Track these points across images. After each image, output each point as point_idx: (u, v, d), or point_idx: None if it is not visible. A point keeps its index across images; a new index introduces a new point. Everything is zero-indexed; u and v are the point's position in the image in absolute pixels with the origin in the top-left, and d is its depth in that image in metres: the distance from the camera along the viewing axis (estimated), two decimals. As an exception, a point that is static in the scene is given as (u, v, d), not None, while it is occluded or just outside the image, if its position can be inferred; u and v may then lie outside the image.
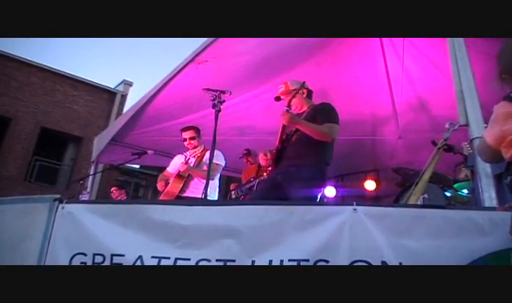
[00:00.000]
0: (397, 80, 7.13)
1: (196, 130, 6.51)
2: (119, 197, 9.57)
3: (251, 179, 7.46)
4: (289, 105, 4.69)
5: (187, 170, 6.26)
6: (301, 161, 4.49)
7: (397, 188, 7.16)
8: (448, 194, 5.71)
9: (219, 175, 6.44)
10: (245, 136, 7.90)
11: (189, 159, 6.49)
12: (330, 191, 8.32)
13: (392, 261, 2.75)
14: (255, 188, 6.93)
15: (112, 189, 9.74)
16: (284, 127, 4.73)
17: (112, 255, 3.17)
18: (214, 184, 6.31)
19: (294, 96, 4.69)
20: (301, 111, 4.85)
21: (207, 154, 6.23)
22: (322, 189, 4.61)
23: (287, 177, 4.46)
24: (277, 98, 4.85)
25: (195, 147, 6.49)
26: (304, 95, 4.88)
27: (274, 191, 4.46)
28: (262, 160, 7.17)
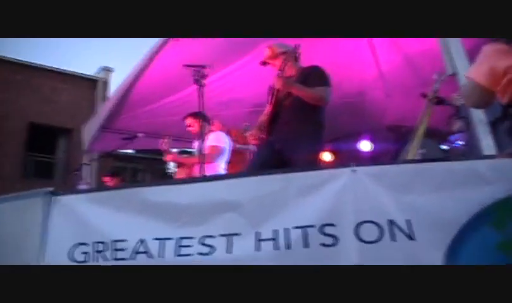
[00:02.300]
0: (378, 40, 7.08)
1: (194, 115, 6.35)
2: None
3: None
4: (281, 69, 4.60)
5: (171, 158, 6.50)
6: (299, 127, 4.45)
7: (393, 146, 7.14)
8: (444, 147, 5.69)
9: (219, 157, 6.29)
10: (230, 110, 7.80)
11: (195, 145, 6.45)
12: (365, 145, 8.38)
13: (399, 219, 2.71)
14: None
15: (105, 178, 9.03)
16: (274, 91, 4.69)
17: (113, 241, 3.13)
18: (217, 168, 6.20)
19: (283, 59, 4.62)
20: (291, 74, 4.76)
21: (210, 136, 6.24)
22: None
23: (286, 145, 4.45)
24: (263, 63, 4.78)
25: (199, 132, 6.15)
26: (290, 58, 4.75)
27: (274, 159, 4.43)
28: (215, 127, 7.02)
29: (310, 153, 4.32)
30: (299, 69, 4.78)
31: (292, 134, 4.44)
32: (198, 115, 6.06)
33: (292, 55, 4.78)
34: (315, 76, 4.58)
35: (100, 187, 7.53)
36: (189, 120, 6.52)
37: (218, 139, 6.34)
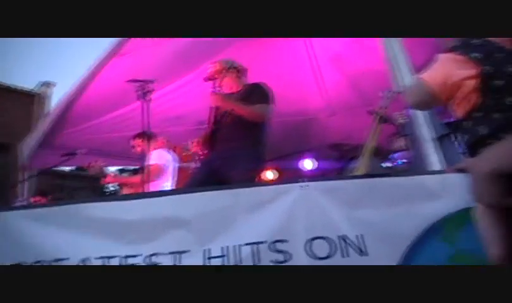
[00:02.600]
0: (321, 58, 7.15)
1: (137, 136, 6.33)
2: None
3: None
4: (219, 86, 4.61)
5: (110, 180, 6.50)
6: (238, 144, 4.40)
7: (335, 164, 7.21)
8: (386, 166, 5.77)
9: (161, 175, 6.15)
10: (175, 127, 7.71)
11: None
12: (308, 164, 8.39)
13: (351, 234, 2.72)
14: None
15: (34, 198, 8.35)
16: (214, 108, 4.66)
17: (55, 260, 2.97)
18: (160, 186, 6.04)
19: (225, 76, 4.65)
20: (234, 91, 4.77)
21: (152, 154, 6.05)
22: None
23: (225, 162, 4.36)
24: (208, 79, 4.74)
25: (143, 152, 6.10)
26: (235, 75, 4.80)
27: (212, 178, 4.35)
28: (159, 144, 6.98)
29: (248, 170, 4.26)
30: (244, 85, 4.77)
31: (230, 152, 4.40)
32: (141, 135, 6.09)
33: (237, 72, 4.81)
34: (256, 93, 4.57)
35: (42, 203, 7.33)
36: (132, 142, 6.45)
37: (158, 157, 6.21)
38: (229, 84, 4.80)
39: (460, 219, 2.55)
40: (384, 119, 4.63)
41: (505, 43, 1.86)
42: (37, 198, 8.43)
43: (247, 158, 4.32)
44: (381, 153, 6.07)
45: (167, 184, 6.22)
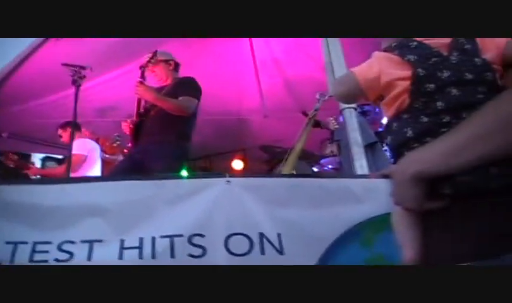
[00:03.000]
0: (262, 60, 7.18)
1: (64, 125, 6.36)
2: None
3: None
4: (143, 76, 4.55)
5: (34, 172, 6.43)
6: (161, 138, 4.39)
7: (265, 167, 7.24)
8: (315, 170, 5.83)
9: (82, 165, 6.10)
10: (108, 117, 7.56)
11: None
12: (237, 164, 8.39)
13: (270, 233, 2.70)
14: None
15: None
16: (139, 100, 4.62)
17: None
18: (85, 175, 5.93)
19: (156, 66, 4.65)
20: (165, 84, 4.74)
21: (74, 144, 5.81)
22: (183, 165, 4.50)
23: (147, 156, 4.33)
24: (142, 67, 4.65)
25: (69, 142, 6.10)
26: (171, 67, 4.78)
27: (134, 170, 4.29)
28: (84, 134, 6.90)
29: (170, 163, 4.23)
30: (176, 79, 4.73)
31: (153, 145, 4.38)
32: (68, 125, 6.03)
33: (169, 65, 4.79)
34: (183, 87, 4.56)
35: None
36: (59, 132, 6.44)
37: (79, 146, 6.13)
38: (159, 75, 4.77)
39: (380, 223, 2.57)
40: (316, 123, 4.66)
41: (442, 48, 1.88)
42: None
43: (169, 152, 4.30)
44: (311, 157, 6.13)
45: (91, 172, 6.15)
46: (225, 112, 7.95)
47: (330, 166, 5.85)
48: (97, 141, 6.86)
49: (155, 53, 4.64)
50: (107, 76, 6.87)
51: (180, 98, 4.40)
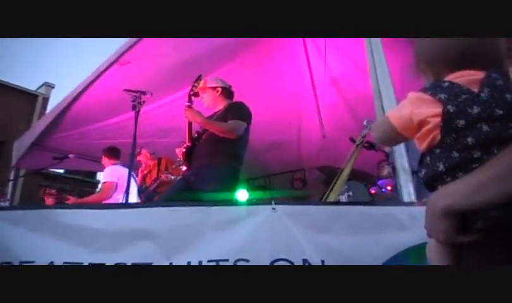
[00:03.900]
0: (320, 80, 7.21)
1: (102, 151, 6.75)
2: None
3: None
4: (190, 101, 4.68)
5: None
6: (211, 161, 4.45)
7: (324, 187, 7.23)
8: (373, 191, 5.80)
9: (112, 192, 6.29)
10: (172, 138, 7.74)
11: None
12: (243, 195, 8.32)
13: (314, 259, 2.73)
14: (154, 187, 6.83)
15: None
16: (190, 123, 4.73)
17: (21, 262, 2.99)
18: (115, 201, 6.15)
19: (202, 93, 4.80)
20: (216, 110, 4.85)
21: (104, 171, 6.42)
22: (236, 188, 4.56)
23: (198, 178, 4.43)
24: (195, 94, 4.80)
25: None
26: (218, 93, 4.86)
27: (185, 192, 4.40)
28: (143, 157, 7.18)
29: (221, 185, 4.28)
30: (227, 104, 4.82)
31: (204, 167, 4.47)
32: (103, 151, 6.63)
33: (223, 91, 4.88)
34: (232, 111, 4.63)
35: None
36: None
37: (107, 174, 6.41)
38: (206, 102, 4.89)
39: (423, 251, 2.57)
40: (370, 146, 4.66)
41: (472, 85, 1.91)
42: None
43: (219, 174, 4.37)
44: (369, 178, 6.11)
45: (119, 197, 6.24)
46: (284, 132, 8.00)
47: (388, 188, 5.82)
48: (159, 162, 7.04)
49: (198, 78, 4.80)
50: (168, 98, 7.05)
51: (229, 122, 4.48)
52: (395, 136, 2.23)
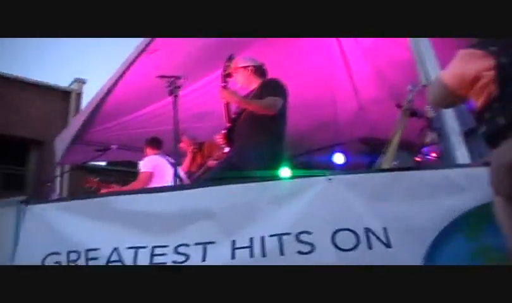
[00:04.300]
0: (351, 51, 7.13)
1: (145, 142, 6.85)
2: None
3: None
4: (225, 81, 4.70)
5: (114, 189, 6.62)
6: (253, 140, 4.47)
7: (366, 158, 7.18)
8: (417, 159, 5.73)
9: (149, 182, 6.33)
10: (206, 122, 7.75)
11: None
12: (338, 158, 8.35)
13: (376, 227, 2.74)
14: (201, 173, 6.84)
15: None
16: (227, 104, 4.75)
17: (87, 250, 3.07)
18: None
19: (235, 73, 4.81)
20: (250, 89, 4.86)
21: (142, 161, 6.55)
22: (280, 165, 4.55)
23: (241, 158, 4.44)
24: (226, 75, 4.80)
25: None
26: (250, 72, 4.87)
27: (230, 171, 4.36)
28: (184, 145, 7.19)
29: (265, 163, 4.25)
30: (261, 82, 4.81)
31: (246, 147, 4.47)
32: (145, 142, 6.75)
33: (255, 70, 4.88)
34: (267, 88, 4.63)
35: (74, 196, 7.45)
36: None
37: (145, 164, 6.47)
38: (239, 81, 4.90)
39: (484, 213, 2.52)
40: (412, 113, 4.60)
41: None
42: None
43: (262, 153, 4.37)
44: (412, 147, 6.04)
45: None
46: (320, 107, 7.95)
47: (433, 155, 5.74)
48: (201, 147, 7.07)
49: (230, 57, 4.81)
50: (200, 82, 7.07)
51: (265, 99, 4.48)
52: (450, 96, 2.19)
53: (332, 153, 8.75)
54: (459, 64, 2.04)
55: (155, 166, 6.37)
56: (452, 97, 2.19)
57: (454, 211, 2.68)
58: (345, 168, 8.26)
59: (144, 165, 6.42)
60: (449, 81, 2.10)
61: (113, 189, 6.77)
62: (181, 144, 6.91)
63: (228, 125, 4.75)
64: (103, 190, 6.80)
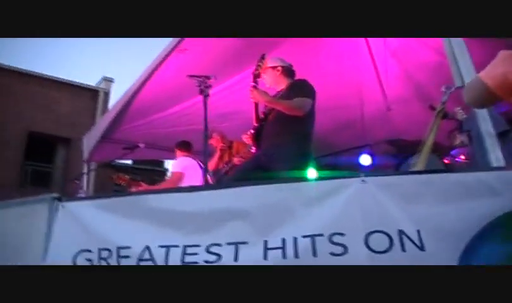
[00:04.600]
0: (379, 52, 7.09)
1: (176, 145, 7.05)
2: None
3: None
4: (255, 81, 4.70)
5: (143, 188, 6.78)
6: (281, 140, 4.48)
7: (392, 160, 7.15)
8: (446, 162, 5.69)
9: (180, 182, 6.45)
10: (232, 122, 7.77)
11: None
12: (365, 159, 8.34)
13: (410, 229, 2.70)
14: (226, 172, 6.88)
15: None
16: (256, 104, 4.77)
17: (118, 248, 3.10)
18: None
19: (263, 73, 4.82)
20: (278, 89, 4.89)
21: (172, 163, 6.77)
22: (307, 163, 4.53)
23: (269, 158, 4.47)
24: (255, 75, 4.80)
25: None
26: (279, 73, 4.90)
27: (257, 172, 4.43)
28: (214, 141, 7.20)
29: (293, 163, 4.26)
30: (289, 83, 4.83)
31: (274, 147, 4.49)
32: (176, 145, 6.94)
33: (284, 71, 4.91)
34: (295, 88, 4.66)
35: (106, 193, 7.52)
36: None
37: (175, 165, 6.64)
38: (268, 81, 4.94)
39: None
40: (444, 115, 4.57)
41: None
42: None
43: (290, 153, 4.38)
44: (440, 149, 5.99)
45: None
46: (347, 108, 7.93)
47: (462, 157, 5.70)
48: (230, 145, 7.10)
49: (262, 57, 4.80)
50: (229, 82, 7.10)
51: (294, 99, 4.49)
52: (489, 97, 2.17)
53: (359, 154, 8.71)
54: (501, 65, 2.02)
55: (186, 168, 6.49)
56: (491, 98, 2.17)
57: (488, 214, 2.63)
58: (372, 170, 8.23)
59: (175, 166, 6.57)
60: (490, 81, 2.07)
61: (142, 187, 6.89)
62: (211, 141, 6.95)
63: (256, 125, 4.77)
64: (133, 189, 6.92)
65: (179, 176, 6.41)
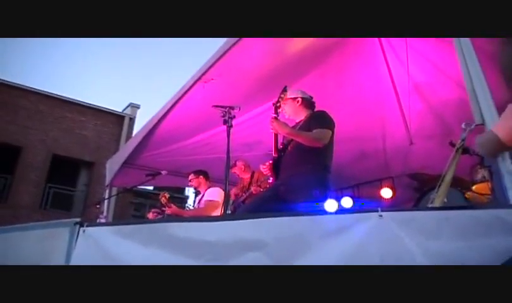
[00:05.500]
0: (402, 86, 7.11)
1: (195, 173, 7.32)
2: None
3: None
4: (276, 112, 4.74)
5: (172, 211, 7.02)
6: (300, 170, 4.49)
7: (414, 194, 7.11)
8: (467, 197, 5.65)
9: (215, 211, 6.57)
10: (255, 151, 7.82)
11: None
12: (346, 202, 8.26)
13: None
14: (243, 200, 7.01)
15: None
16: (276, 135, 4.80)
17: None
18: None
19: (283, 104, 4.87)
20: (298, 120, 4.92)
21: (208, 191, 6.93)
22: (325, 195, 4.54)
23: (287, 189, 4.49)
24: (276, 105, 4.83)
25: (196, 187, 7.33)
26: (298, 104, 4.94)
27: (273, 201, 4.47)
28: (238, 170, 7.37)
29: (310, 194, 4.30)
30: (309, 114, 4.87)
31: (291, 178, 4.51)
32: (199, 173, 7.12)
33: (303, 102, 4.96)
34: (315, 120, 4.68)
35: (127, 220, 7.63)
36: (191, 176, 7.29)
37: (213, 194, 6.76)
38: (287, 112, 4.98)
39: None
40: (465, 149, 4.57)
41: None
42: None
43: (308, 184, 4.39)
44: (462, 184, 5.96)
45: None
46: (369, 140, 7.94)
47: (483, 192, 5.66)
48: (252, 174, 7.16)
49: (284, 89, 4.83)
50: (252, 113, 7.16)
51: (314, 131, 4.52)
52: (500, 148, 2.20)
53: (380, 186, 8.67)
54: (511, 118, 2.05)
55: (221, 198, 6.62)
56: (502, 149, 2.21)
57: (505, 252, 2.63)
58: (393, 203, 8.18)
59: (212, 195, 6.75)
60: (503, 136, 2.10)
61: (172, 210, 7.11)
62: (235, 169, 7.02)
63: (275, 155, 4.80)
64: (167, 210, 7.12)
65: (217, 205, 6.60)
